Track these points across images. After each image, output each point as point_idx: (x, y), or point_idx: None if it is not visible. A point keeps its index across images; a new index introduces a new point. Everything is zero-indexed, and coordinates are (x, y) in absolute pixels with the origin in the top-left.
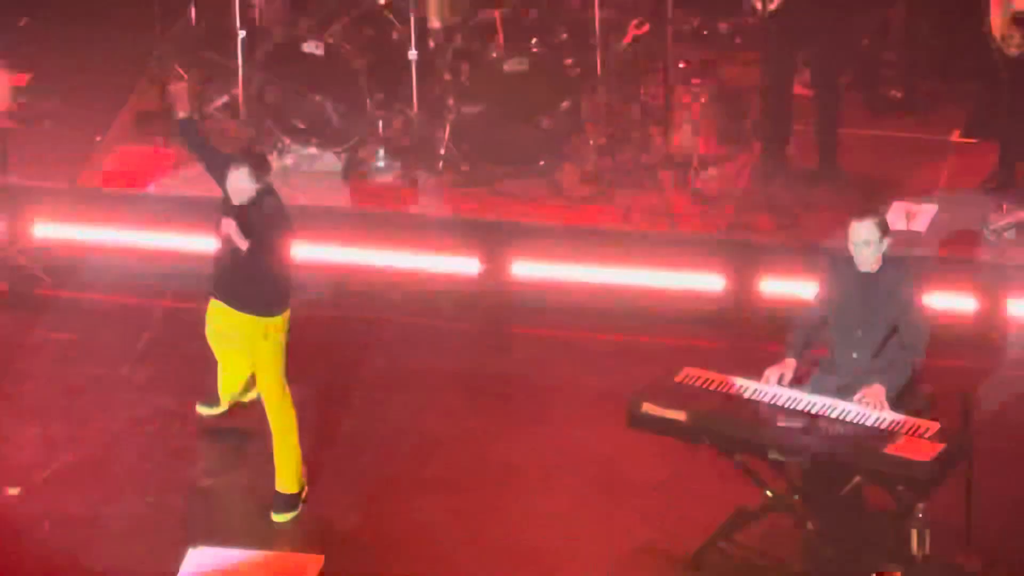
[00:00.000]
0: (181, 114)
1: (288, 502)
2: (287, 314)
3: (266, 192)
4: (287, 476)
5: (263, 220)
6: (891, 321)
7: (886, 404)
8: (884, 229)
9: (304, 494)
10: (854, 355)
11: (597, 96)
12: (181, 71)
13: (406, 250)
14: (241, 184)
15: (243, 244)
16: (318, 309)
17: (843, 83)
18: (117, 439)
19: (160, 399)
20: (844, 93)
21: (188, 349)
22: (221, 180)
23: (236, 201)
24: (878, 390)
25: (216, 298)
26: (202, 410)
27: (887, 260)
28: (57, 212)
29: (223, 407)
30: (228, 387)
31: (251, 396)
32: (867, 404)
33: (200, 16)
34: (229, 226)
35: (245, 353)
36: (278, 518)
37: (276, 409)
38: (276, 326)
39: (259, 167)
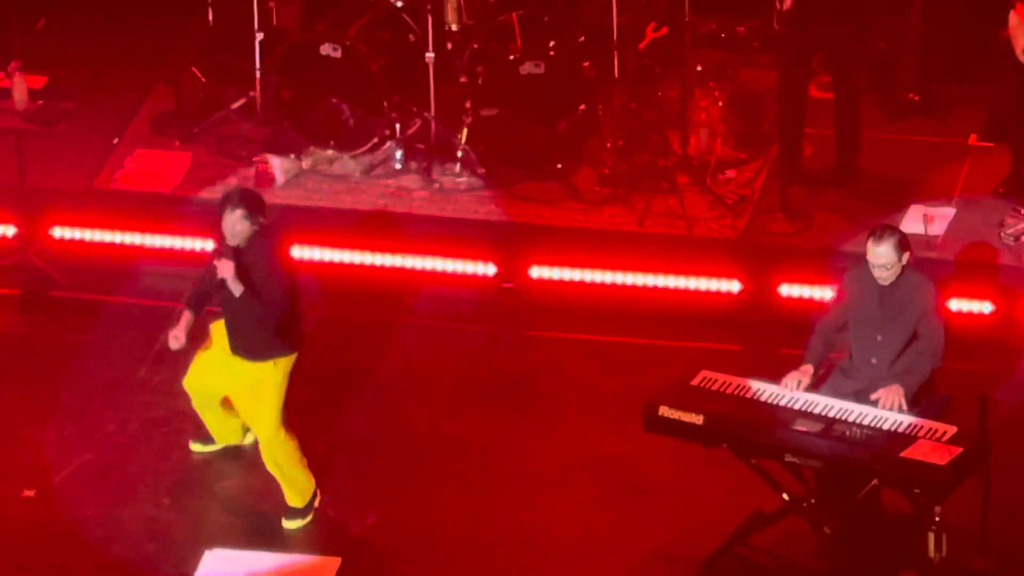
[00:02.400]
0: (174, 344)
1: (298, 512)
2: (294, 356)
3: (262, 233)
4: (294, 496)
5: (261, 262)
6: (910, 327)
7: (904, 404)
8: (902, 248)
9: (317, 500)
10: (873, 360)
11: (614, 99)
12: (198, 73)
13: (422, 252)
14: (237, 226)
15: (237, 290)
16: (333, 311)
17: (861, 86)
18: (132, 441)
19: (176, 401)
20: (862, 96)
21: None
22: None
23: (232, 243)
24: (896, 389)
25: (232, 353)
26: (196, 448)
27: (907, 268)
28: (74, 214)
29: (218, 444)
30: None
31: (246, 440)
32: (885, 404)
33: (217, 18)
34: (227, 269)
35: (238, 393)
36: (289, 525)
37: (269, 442)
38: (286, 359)
39: (254, 208)
